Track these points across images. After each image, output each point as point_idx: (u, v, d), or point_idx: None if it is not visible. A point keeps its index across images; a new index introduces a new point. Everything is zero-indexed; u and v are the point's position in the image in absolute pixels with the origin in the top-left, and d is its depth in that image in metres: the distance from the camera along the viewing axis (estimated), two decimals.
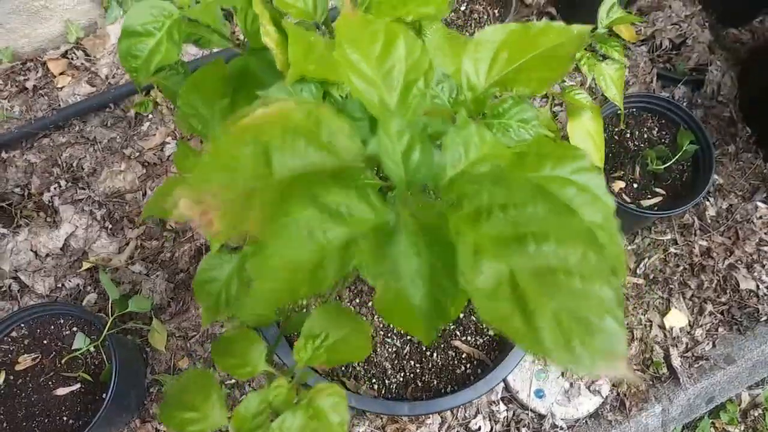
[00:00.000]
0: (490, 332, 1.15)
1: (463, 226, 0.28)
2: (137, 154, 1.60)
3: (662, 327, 1.52)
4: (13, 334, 1.27)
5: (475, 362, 1.13)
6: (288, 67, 0.45)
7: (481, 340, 1.14)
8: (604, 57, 0.85)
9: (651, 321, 1.52)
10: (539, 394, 1.42)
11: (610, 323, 0.26)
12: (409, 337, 1.14)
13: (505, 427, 1.41)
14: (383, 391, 1.10)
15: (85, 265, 1.49)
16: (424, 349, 1.14)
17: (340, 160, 0.31)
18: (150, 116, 1.65)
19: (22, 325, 1.28)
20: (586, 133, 0.82)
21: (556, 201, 0.28)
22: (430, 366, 1.13)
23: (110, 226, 1.54)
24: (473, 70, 0.39)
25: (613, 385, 1.45)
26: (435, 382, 1.12)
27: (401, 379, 1.12)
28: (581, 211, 0.36)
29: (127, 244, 1.53)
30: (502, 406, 1.42)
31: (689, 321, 1.53)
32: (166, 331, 1.44)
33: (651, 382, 1.47)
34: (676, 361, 1.47)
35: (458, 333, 1.15)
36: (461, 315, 1.16)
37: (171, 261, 1.52)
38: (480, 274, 0.27)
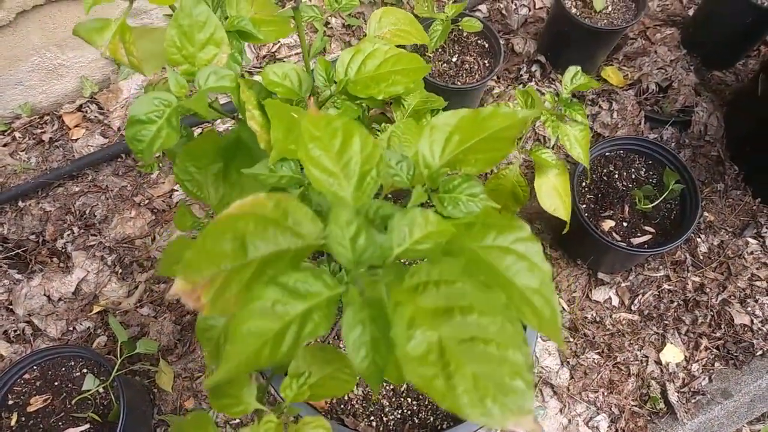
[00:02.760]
0: None
1: (402, 298, 0.33)
2: (147, 201, 1.67)
3: (658, 362, 1.54)
4: (26, 376, 1.33)
5: None
6: (271, 147, 0.51)
7: None
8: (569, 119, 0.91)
9: (647, 357, 1.55)
10: None
11: (519, 384, 0.31)
12: None
13: None
14: (381, 428, 1.13)
15: (96, 309, 1.55)
16: None
17: (304, 241, 0.36)
18: (159, 165, 1.73)
19: (35, 367, 1.33)
20: (553, 189, 0.87)
21: (478, 281, 0.34)
22: (426, 403, 1.17)
23: (120, 271, 1.61)
24: (429, 151, 0.45)
25: (612, 422, 1.47)
26: (431, 419, 1.15)
27: (399, 416, 1.16)
28: (519, 277, 0.41)
29: (136, 287, 1.59)
30: None
31: (685, 356, 1.55)
32: (173, 372, 1.49)
33: (649, 418, 1.49)
34: (673, 396, 1.49)
35: None
36: None
37: (178, 304, 1.57)
38: (413, 340, 0.32)
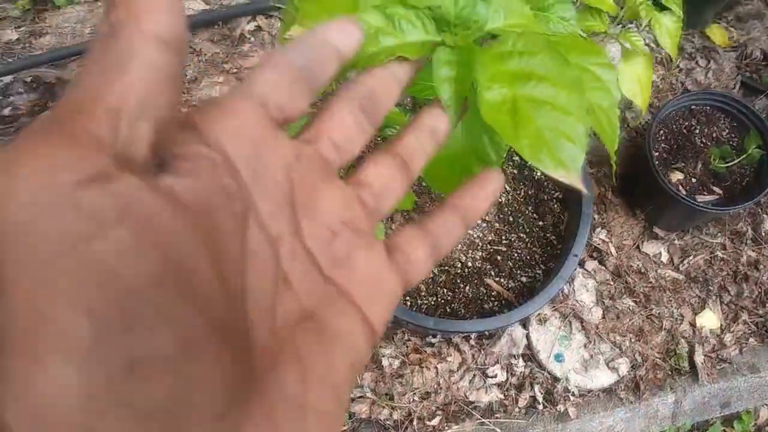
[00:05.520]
0: (522, 278, 1.24)
1: (487, 59, 0.38)
2: (235, 70, 1.75)
3: (693, 324, 1.55)
4: None
5: (503, 301, 1.22)
6: None
7: (512, 284, 1.23)
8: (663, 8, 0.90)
9: (683, 316, 1.56)
10: (559, 358, 1.49)
11: (573, 147, 0.36)
12: (446, 267, 1.24)
13: (519, 380, 1.49)
14: (414, 309, 1.21)
15: None
16: (458, 280, 1.23)
17: None
18: (252, 39, 1.80)
19: None
20: (635, 77, 0.88)
21: (559, 56, 0.38)
22: (460, 296, 1.23)
23: None
24: None
25: (632, 367, 1.51)
26: (462, 311, 1.21)
27: (432, 302, 1.23)
28: (591, 93, 0.45)
29: None
30: (521, 362, 1.50)
31: (721, 325, 1.55)
32: None
33: (670, 373, 1.51)
34: (699, 358, 1.50)
35: (492, 273, 1.24)
36: (498, 257, 1.25)
37: None
38: (492, 91, 0.37)
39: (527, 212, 1.28)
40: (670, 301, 1.56)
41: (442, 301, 1.22)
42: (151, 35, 0.20)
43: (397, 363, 1.51)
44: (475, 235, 1.25)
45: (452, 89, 0.37)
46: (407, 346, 1.53)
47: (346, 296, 0.25)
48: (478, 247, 1.25)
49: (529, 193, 1.29)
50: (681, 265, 1.60)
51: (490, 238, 1.26)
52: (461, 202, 0.31)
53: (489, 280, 1.22)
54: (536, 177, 1.30)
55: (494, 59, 0.39)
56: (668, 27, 0.87)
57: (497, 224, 1.27)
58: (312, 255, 0.25)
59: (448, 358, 1.51)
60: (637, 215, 1.63)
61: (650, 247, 1.61)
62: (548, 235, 1.26)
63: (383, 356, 1.51)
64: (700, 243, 1.61)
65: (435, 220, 0.30)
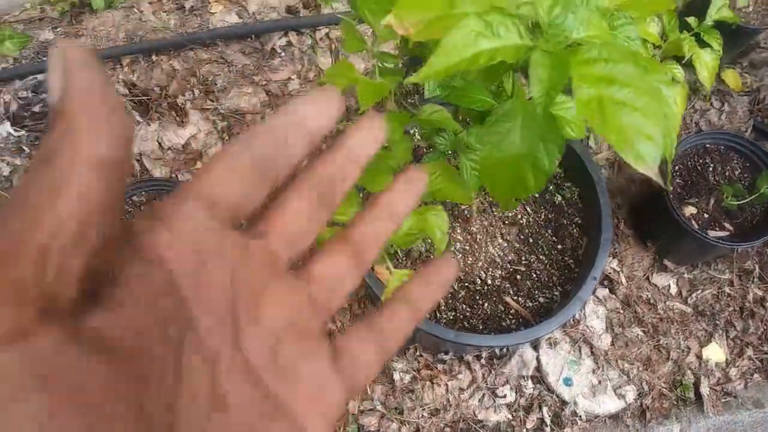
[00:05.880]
0: (540, 299, 1.27)
1: (576, 65, 0.42)
2: (264, 82, 1.80)
3: (699, 357, 1.58)
4: (135, 198, 1.49)
5: (520, 320, 1.24)
6: None
7: (530, 304, 1.26)
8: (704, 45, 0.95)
9: (689, 348, 1.59)
10: (568, 382, 1.52)
11: (651, 146, 0.40)
12: (466, 283, 1.27)
13: (528, 402, 1.51)
14: (433, 321, 1.23)
15: (198, 165, 1.70)
16: (477, 297, 1.26)
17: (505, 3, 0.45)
18: (282, 54, 1.85)
19: (143, 192, 1.49)
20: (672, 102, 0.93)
21: (641, 65, 0.42)
22: (479, 313, 1.26)
23: (226, 138, 1.75)
24: None
25: (639, 395, 1.53)
26: (480, 327, 1.24)
27: (451, 317, 1.25)
28: None
29: None
30: (530, 384, 1.53)
31: (726, 359, 1.58)
32: None
33: (675, 403, 1.53)
34: (704, 389, 1.53)
35: (511, 292, 1.27)
36: (518, 277, 1.28)
37: None
38: (581, 90, 0.41)
39: (546, 235, 1.32)
40: (678, 332, 1.60)
41: (461, 316, 1.25)
42: (90, 159, 0.19)
43: (408, 378, 1.53)
44: (496, 254, 1.29)
45: (543, 88, 0.41)
46: (419, 362, 1.55)
47: (287, 411, 0.24)
48: (498, 266, 1.28)
49: (549, 216, 1.34)
50: (689, 298, 1.63)
51: (510, 257, 1.29)
52: (412, 293, 0.29)
53: (508, 299, 1.25)
54: (556, 202, 1.34)
55: (582, 64, 0.43)
56: (707, 62, 0.93)
57: (517, 244, 1.31)
58: (252, 368, 0.24)
59: (459, 376, 1.53)
60: (648, 247, 1.67)
61: (660, 279, 1.65)
62: (566, 258, 1.30)
63: (395, 370, 1.53)
64: (708, 278, 1.65)
65: (384, 314, 0.29)
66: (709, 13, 0.97)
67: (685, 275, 1.65)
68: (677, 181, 1.55)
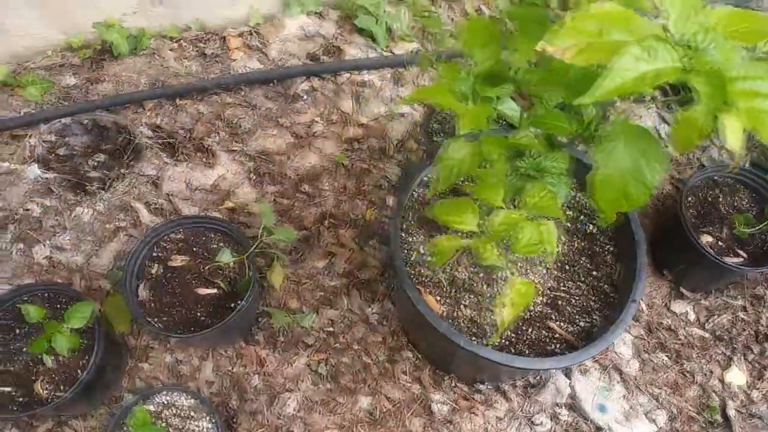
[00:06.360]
0: (581, 324, 1.31)
1: (727, 80, 0.49)
2: (289, 124, 1.85)
3: (721, 380, 1.64)
4: (173, 235, 1.50)
5: (564, 344, 1.28)
6: None
7: (572, 329, 1.31)
8: None
9: (712, 372, 1.64)
10: (602, 408, 1.55)
11: None
12: None
13: (564, 429, 1.53)
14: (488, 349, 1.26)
15: (227, 204, 1.73)
16: (521, 323, 1.30)
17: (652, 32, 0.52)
18: (305, 98, 1.91)
19: (181, 230, 1.50)
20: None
21: None
22: (524, 338, 1.29)
23: (254, 178, 1.78)
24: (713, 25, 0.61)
25: (669, 419, 1.57)
26: (527, 352, 1.27)
27: (497, 343, 1.28)
28: None
29: (263, 196, 1.76)
30: (566, 411, 1.55)
31: (747, 381, 1.64)
32: (284, 274, 1.64)
33: (704, 426, 1.58)
34: (731, 411, 1.58)
35: (554, 317, 1.31)
36: (559, 303, 1.32)
37: (298, 218, 1.74)
38: (739, 104, 0.47)
39: (582, 262, 1.37)
40: (699, 357, 1.65)
41: (507, 342, 1.28)
42: None
43: (446, 409, 1.54)
44: (537, 281, 1.34)
45: (709, 101, 0.48)
46: (455, 392, 1.57)
47: None
48: (540, 292, 1.33)
49: (583, 245, 1.40)
50: (706, 323, 1.70)
51: (550, 284, 1.34)
52: None
53: (552, 324, 1.29)
54: (588, 231, 1.41)
55: (729, 80, 0.50)
56: None
57: (556, 272, 1.36)
58: None
59: (496, 405, 1.55)
60: (664, 275, 1.74)
61: (678, 306, 1.71)
62: (602, 284, 1.36)
63: (432, 401, 1.54)
64: (723, 304, 1.73)
65: None
66: None
67: (702, 302, 1.72)
68: (691, 211, 1.64)
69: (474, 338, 1.28)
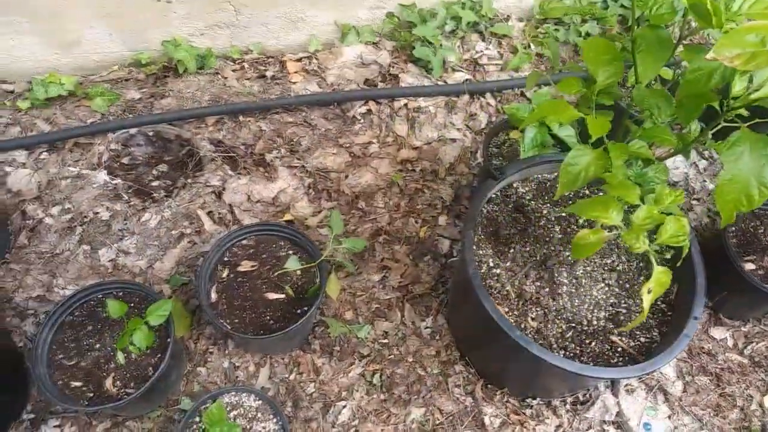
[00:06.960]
0: (641, 339, 1.37)
1: None
2: (348, 144, 1.94)
3: (761, 405, 1.69)
4: (243, 242, 1.56)
5: (627, 357, 1.34)
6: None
7: (633, 343, 1.37)
8: None
9: (752, 396, 1.70)
10: (647, 427, 1.60)
11: None
12: (572, 324, 1.37)
13: None
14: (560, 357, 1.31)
15: (286, 217, 1.79)
16: (584, 337, 1.36)
17: None
18: (362, 120, 2.00)
19: (252, 237, 1.57)
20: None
21: None
22: (588, 351, 1.35)
23: (312, 194, 1.85)
24: None
25: None
26: (591, 365, 1.33)
27: (561, 355, 1.34)
28: None
29: (320, 211, 1.83)
30: (612, 429, 1.60)
31: None
32: (340, 286, 1.70)
33: None
34: None
35: (615, 332, 1.37)
36: (620, 318, 1.39)
37: (353, 233, 1.80)
38: None
39: (640, 281, 1.44)
40: (739, 381, 1.71)
41: (571, 355, 1.34)
42: None
43: (497, 422, 1.58)
44: (599, 297, 1.40)
45: None
46: (507, 407, 1.61)
47: None
48: (602, 308, 1.39)
49: (641, 265, 1.47)
50: (745, 349, 1.76)
51: (611, 300, 1.41)
52: None
53: (614, 338, 1.35)
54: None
55: None
56: None
57: (617, 289, 1.43)
58: None
59: (546, 420, 1.60)
60: (705, 303, 1.81)
61: (717, 332, 1.78)
62: (659, 303, 1.42)
63: (485, 414, 1.58)
64: (760, 332, 1.79)
65: None
66: None
67: (741, 329, 1.79)
68: (733, 240, 1.72)
69: None
